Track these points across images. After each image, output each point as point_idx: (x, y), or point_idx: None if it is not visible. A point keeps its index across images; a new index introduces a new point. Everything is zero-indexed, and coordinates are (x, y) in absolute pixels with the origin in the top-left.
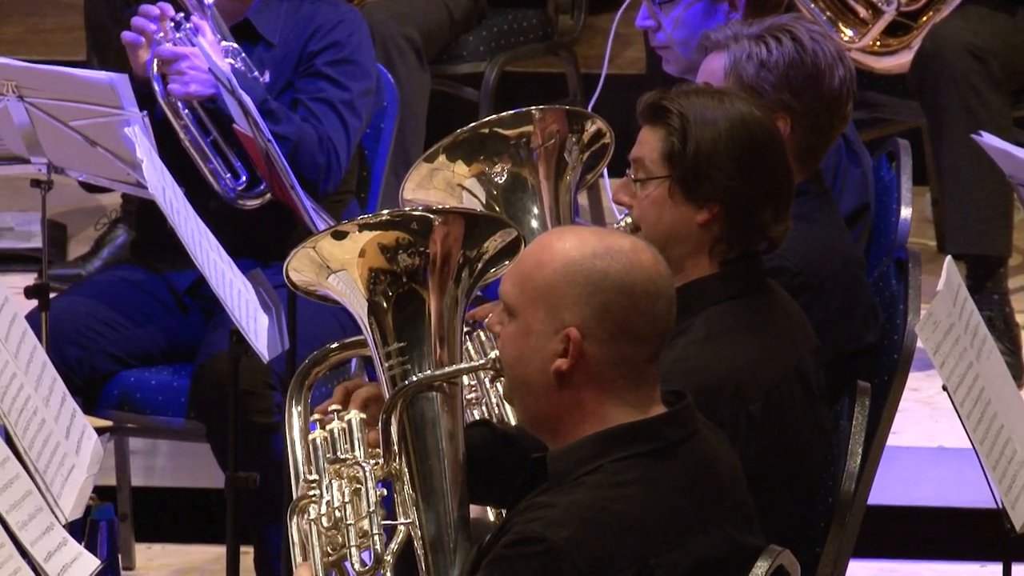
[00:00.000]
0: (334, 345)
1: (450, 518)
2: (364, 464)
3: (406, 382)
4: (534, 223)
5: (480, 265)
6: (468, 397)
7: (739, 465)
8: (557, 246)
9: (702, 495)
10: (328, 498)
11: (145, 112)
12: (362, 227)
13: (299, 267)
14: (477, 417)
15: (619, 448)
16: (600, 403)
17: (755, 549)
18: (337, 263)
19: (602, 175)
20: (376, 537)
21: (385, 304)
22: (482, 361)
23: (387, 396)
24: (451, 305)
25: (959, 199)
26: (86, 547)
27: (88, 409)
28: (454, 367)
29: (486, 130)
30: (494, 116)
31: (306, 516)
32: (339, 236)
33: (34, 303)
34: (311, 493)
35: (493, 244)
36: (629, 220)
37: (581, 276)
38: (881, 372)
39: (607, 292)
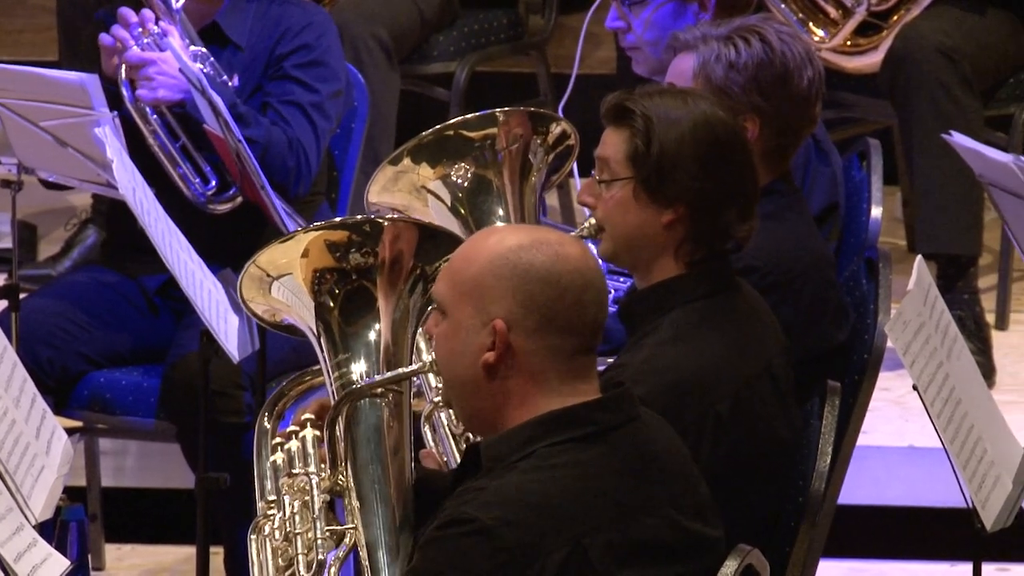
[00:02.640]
0: (303, 372)
1: (393, 525)
2: (312, 476)
3: (347, 390)
4: (499, 225)
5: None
6: (435, 400)
7: (688, 455)
8: (484, 242)
9: (641, 479)
10: (280, 513)
11: (116, 112)
12: (307, 230)
13: (250, 294)
14: (444, 420)
15: (552, 434)
16: (531, 395)
17: (708, 538)
18: (277, 269)
19: (572, 175)
20: (319, 543)
21: (332, 303)
22: (418, 365)
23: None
24: (402, 314)
25: (930, 199)
26: (56, 548)
27: (58, 409)
28: (392, 372)
29: (451, 132)
30: (459, 118)
31: (262, 534)
32: (283, 243)
33: (4, 303)
34: (269, 512)
35: None
36: (593, 221)
37: (507, 269)
38: (851, 371)
39: (532, 283)
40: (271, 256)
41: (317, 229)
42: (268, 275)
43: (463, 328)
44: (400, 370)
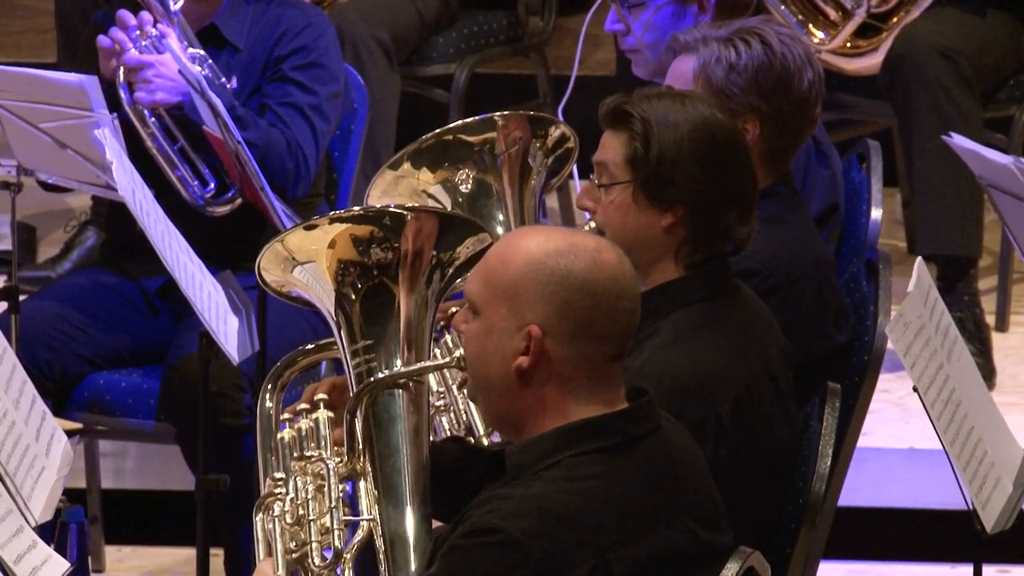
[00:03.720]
0: (307, 347)
1: (411, 515)
2: (328, 461)
3: (371, 379)
4: (499, 229)
5: (451, 270)
6: (436, 404)
7: (704, 462)
8: (521, 244)
9: (662, 490)
10: (292, 495)
11: (115, 114)
12: (333, 220)
13: (268, 266)
14: (445, 424)
15: (579, 443)
16: (562, 401)
17: (720, 546)
18: (304, 255)
19: (572, 177)
20: (336, 532)
21: (353, 296)
22: (447, 359)
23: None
24: (421, 305)
25: (930, 200)
26: (56, 549)
27: (58, 411)
28: (419, 364)
29: (450, 136)
30: (459, 122)
31: (271, 513)
32: (309, 229)
33: (3, 305)
34: (277, 491)
35: (465, 250)
36: (593, 225)
37: (544, 274)
38: (851, 373)
39: (569, 290)
40: (299, 241)
41: (343, 220)
42: (293, 258)
43: (496, 330)
44: (427, 363)
